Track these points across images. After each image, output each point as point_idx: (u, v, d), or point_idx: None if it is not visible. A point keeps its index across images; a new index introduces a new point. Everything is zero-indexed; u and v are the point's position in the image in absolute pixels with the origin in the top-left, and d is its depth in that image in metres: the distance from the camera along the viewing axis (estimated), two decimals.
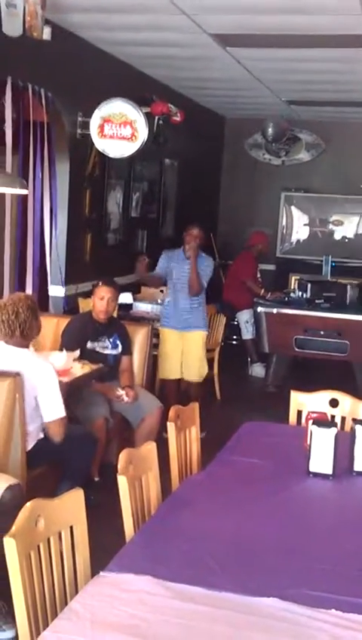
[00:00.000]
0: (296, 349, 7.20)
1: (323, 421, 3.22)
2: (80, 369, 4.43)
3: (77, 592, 2.25)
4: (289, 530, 2.66)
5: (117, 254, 7.22)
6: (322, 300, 7.35)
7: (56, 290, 6.13)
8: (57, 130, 5.90)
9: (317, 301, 7.36)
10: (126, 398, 4.78)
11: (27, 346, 3.90)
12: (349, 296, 7.46)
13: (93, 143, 6.12)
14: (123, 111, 6.00)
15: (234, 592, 2.17)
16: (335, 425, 3.16)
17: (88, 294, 6.11)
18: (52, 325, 5.14)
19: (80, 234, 6.50)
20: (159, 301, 7.10)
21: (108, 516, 3.00)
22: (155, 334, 6.03)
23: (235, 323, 8.23)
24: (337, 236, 10.22)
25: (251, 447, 3.47)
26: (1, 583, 2.25)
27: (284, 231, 10.33)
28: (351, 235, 10.19)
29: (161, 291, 7.56)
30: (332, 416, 3.73)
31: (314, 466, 3.07)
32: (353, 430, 3.14)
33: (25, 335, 3.83)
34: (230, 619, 2.06)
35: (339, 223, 10.18)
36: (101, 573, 2.25)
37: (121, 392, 4.80)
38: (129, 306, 6.69)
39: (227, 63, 6.65)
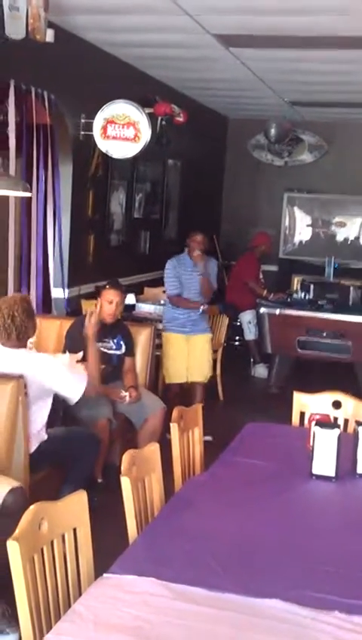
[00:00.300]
0: (299, 350, 7.20)
1: (326, 422, 3.22)
2: (83, 371, 4.43)
3: (80, 594, 2.25)
4: (292, 531, 2.66)
5: (120, 255, 7.23)
6: (325, 301, 7.36)
7: (59, 292, 6.13)
8: (60, 132, 5.92)
9: (319, 302, 7.37)
10: (128, 399, 4.79)
11: (24, 346, 3.91)
12: (352, 298, 7.46)
13: (96, 145, 6.13)
14: (126, 112, 6.02)
15: (237, 594, 2.17)
16: (338, 426, 3.16)
17: (91, 296, 6.13)
18: (55, 327, 5.14)
19: (83, 235, 6.50)
20: (162, 302, 7.11)
21: (112, 518, 3.00)
22: (158, 335, 6.04)
23: (238, 324, 8.22)
24: (340, 237, 10.21)
25: (254, 448, 3.47)
26: (5, 586, 2.25)
27: (287, 232, 10.33)
28: (353, 236, 10.18)
29: (164, 292, 7.57)
30: (335, 418, 3.72)
31: (317, 468, 3.07)
32: (356, 432, 3.13)
33: (20, 338, 3.87)
34: (233, 620, 2.07)
35: (342, 225, 10.17)
36: (104, 575, 2.25)
37: (124, 393, 4.81)
38: (132, 307, 6.70)
39: (230, 64, 6.65)
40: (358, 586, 2.28)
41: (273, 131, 8.97)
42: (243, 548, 2.50)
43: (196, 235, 5.95)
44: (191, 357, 6.05)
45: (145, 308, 6.92)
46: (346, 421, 3.78)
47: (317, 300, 7.42)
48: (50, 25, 4.58)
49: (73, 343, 4.73)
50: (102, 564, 2.34)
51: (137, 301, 6.92)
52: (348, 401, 3.85)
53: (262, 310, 7.28)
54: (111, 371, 4.80)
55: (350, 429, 3.58)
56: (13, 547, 2.09)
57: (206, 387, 6.19)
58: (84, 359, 4.60)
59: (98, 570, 2.35)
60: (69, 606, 2.18)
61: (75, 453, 4.02)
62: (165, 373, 6.07)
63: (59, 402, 4.11)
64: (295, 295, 7.84)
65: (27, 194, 4.64)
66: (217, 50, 6.15)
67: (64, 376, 3.85)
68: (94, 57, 6.33)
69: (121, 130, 6.02)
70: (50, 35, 4.60)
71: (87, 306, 5.92)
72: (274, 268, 9.81)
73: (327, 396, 3.87)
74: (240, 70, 6.90)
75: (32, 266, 5.65)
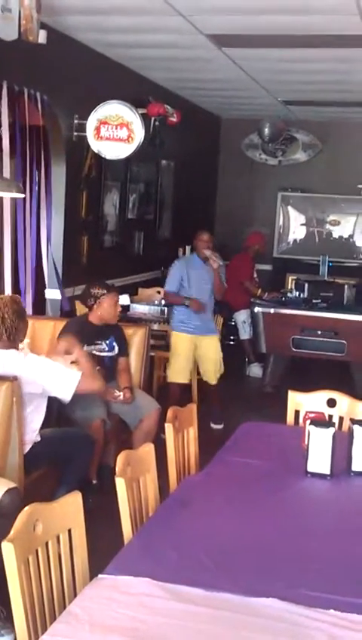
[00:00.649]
0: (294, 349, 7.21)
1: (320, 421, 3.23)
2: (75, 370, 4.42)
3: (75, 595, 2.25)
4: (288, 530, 2.67)
5: (113, 256, 7.23)
6: (319, 300, 7.37)
7: (53, 293, 6.12)
8: (53, 132, 5.91)
9: (314, 301, 7.37)
10: (122, 398, 4.79)
11: (15, 347, 3.91)
12: (346, 296, 7.47)
13: (89, 145, 6.12)
14: (119, 113, 6.01)
15: (232, 593, 2.18)
16: (332, 425, 3.17)
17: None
18: (49, 328, 5.14)
19: (76, 236, 6.50)
20: (156, 302, 7.12)
21: (106, 518, 3.00)
22: (155, 336, 6.07)
23: (233, 323, 8.23)
24: (334, 236, 10.23)
25: (249, 447, 3.47)
26: (0, 587, 2.25)
27: (281, 231, 10.34)
28: (347, 235, 10.20)
29: (158, 292, 7.58)
30: (330, 416, 3.73)
31: (312, 466, 3.08)
32: (351, 430, 3.14)
33: (11, 339, 3.87)
34: (229, 620, 2.07)
35: (336, 223, 10.18)
36: (99, 575, 2.25)
37: (118, 393, 4.81)
38: (126, 308, 6.70)
39: (223, 64, 6.66)
40: (353, 583, 2.28)
41: (267, 131, 8.97)
42: (238, 547, 2.50)
43: (202, 234, 6.04)
44: (204, 359, 6.15)
45: (139, 309, 6.92)
46: (341, 419, 3.78)
47: (311, 299, 7.42)
48: (43, 26, 4.57)
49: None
50: (98, 565, 2.34)
51: (131, 302, 6.92)
52: (342, 400, 3.86)
53: (257, 309, 7.28)
54: (104, 373, 4.79)
55: (345, 427, 3.59)
56: (7, 549, 2.09)
57: (216, 387, 6.26)
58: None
59: (93, 571, 2.35)
60: (64, 607, 2.17)
61: (70, 454, 4.02)
62: (168, 372, 6.13)
63: (53, 402, 4.10)
64: (289, 294, 7.85)
65: (20, 195, 4.64)
66: (210, 51, 6.15)
67: (55, 374, 3.84)
68: (87, 58, 6.33)
69: (115, 130, 6.01)
70: (42, 36, 4.59)
71: (81, 307, 5.92)
72: (268, 267, 9.82)
73: (322, 394, 3.88)
74: (234, 70, 6.90)
75: (27, 266, 5.64)
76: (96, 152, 6.14)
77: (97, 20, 5.43)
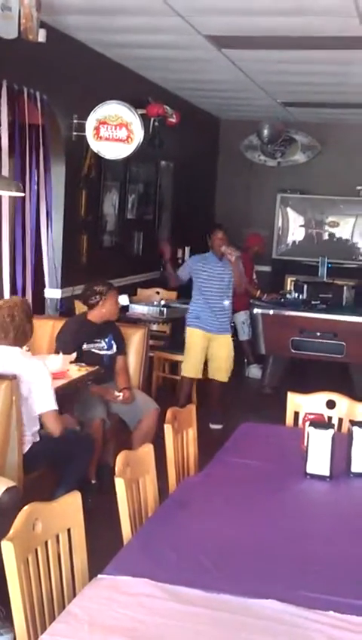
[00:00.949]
0: (293, 351, 7.21)
1: (320, 422, 3.23)
2: (76, 371, 4.43)
3: (75, 595, 2.25)
4: (287, 531, 2.66)
5: (113, 256, 7.22)
6: (318, 302, 7.36)
7: (52, 293, 6.12)
8: (53, 132, 5.90)
9: (313, 302, 7.37)
10: (121, 398, 4.80)
11: (20, 347, 3.92)
12: (345, 298, 7.47)
13: (88, 145, 6.12)
14: (118, 113, 6.01)
15: (232, 594, 2.17)
16: (332, 426, 3.17)
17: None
18: (48, 327, 5.14)
19: (76, 236, 6.49)
20: (155, 303, 7.12)
21: (106, 519, 3.00)
22: (154, 336, 6.09)
23: (232, 324, 8.21)
24: (333, 238, 10.23)
25: (248, 448, 3.47)
26: None
27: (280, 232, 10.33)
28: (346, 236, 10.20)
29: (157, 293, 7.58)
30: (329, 418, 3.73)
31: (312, 468, 3.07)
32: (350, 431, 3.14)
33: (17, 338, 3.89)
34: (228, 621, 2.06)
35: (335, 225, 10.18)
36: (99, 575, 2.24)
37: (117, 393, 4.82)
38: (125, 308, 6.70)
39: (222, 65, 6.66)
40: (353, 585, 2.28)
41: (266, 132, 8.97)
42: (238, 548, 2.50)
43: (217, 232, 6.19)
44: (216, 357, 6.24)
45: (138, 309, 6.93)
46: (340, 421, 3.78)
47: (310, 300, 7.42)
48: (43, 25, 4.57)
49: (65, 344, 4.73)
50: (97, 565, 2.34)
51: (131, 302, 6.92)
52: (341, 401, 3.86)
53: (256, 311, 7.28)
54: (103, 373, 4.80)
55: (344, 429, 3.58)
56: (7, 548, 2.08)
57: (221, 387, 6.31)
58: (77, 359, 4.60)
59: (92, 571, 2.34)
60: (64, 607, 2.17)
61: (69, 454, 4.01)
62: (182, 366, 6.31)
63: None
64: (288, 295, 7.85)
65: (20, 194, 4.63)
66: (209, 52, 6.15)
67: (45, 388, 3.84)
68: (87, 58, 6.32)
69: (114, 131, 6.01)
70: (42, 35, 4.58)
71: (80, 306, 5.91)
72: (267, 268, 9.81)
73: (321, 396, 3.87)
74: (233, 71, 6.90)
75: (27, 266, 5.64)
76: (95, 152, 6.14)
77: (97, 20, 5.43)
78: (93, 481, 4.56)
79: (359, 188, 9.85)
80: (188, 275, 6.26)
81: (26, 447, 3.81)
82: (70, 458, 4.02)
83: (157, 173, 8.39)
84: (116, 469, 2.70)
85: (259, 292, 7.86)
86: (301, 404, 3.88)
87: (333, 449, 3.05)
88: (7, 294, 5.43)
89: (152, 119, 6.81)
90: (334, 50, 5.85)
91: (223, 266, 6.10)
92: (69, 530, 2.37)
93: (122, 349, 5.03)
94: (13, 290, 5.50)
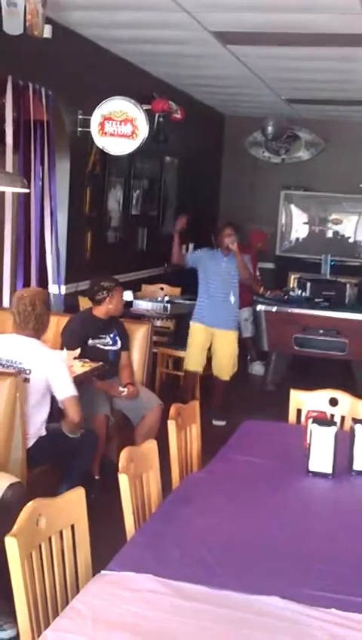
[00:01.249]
0: (296, 348, 7.21)
1: (322, 420, 3.23)
2: (80, 367, 4.44)
3: (78, 590, 2.25)
4: (289, 529, 2.67)
5: (117, 252, 7.23)
6: (321, 299, 7.36)
7: (57, 289, 6.13)
8: (58, 128, 5.90)
9: (316, 300, 7.37)
10: (126, 393, 4.80)
11: (37, 339, 3.95)
12: (348, 295, 7.47)
13: (93, 141, 6.12)
14: (123, 109, 6.01)
15: (234, 591, 2.18)
16: (334, 424, 3.17)
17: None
18: (52, 323, 5.09)
19: (80, 232, 6.50)
20: (159, 299, 7.13)
21: (109, 514, 3.00)
22: (158, 332, 6.10)
23: None
24: (336, 235, 10.22)
25: (251, 445, 3.48)
26: (3, 582, 2.26)
27: (284, 229, 10.33)
28: (350, 233, 10.19)
29: (161, 289, 7.59)
30: (332, 415, 3.73)
31: (314, 465, 3.08)
32: (352, 429, 3.14)
33: (37, 329, 3.93)
34: (230, 617, 2.07)
35: (339, 222, 10.18)
36: (102, 571, 2.25)
37: (122, 388, 4.82)
38: (129, 304, 6.70)
39: (227, 61, 6.65)
40: (355, 582, 2.29)
41: (270, 129, 8.96)
42: (240, 545, 2.51)
43: (224, 229, 6.24)
44: (218, 354, 6.28)
45: (142, 305, 6.93)
46: (343, 418, 3.78)
47: (313, 298, 7.42)
48: (48, 21, 4.57)
49: (70, 340, 4.73)
50: (100, 560, 2.35)
51: (135, 298, 6.93)
52: (344, 399, 3.86)
53: (259, 308, 7.28)
54: (108, 368, 4.81)
55: (346, 427, 3.59)
56: (11, 543, 2.09)
57: (224, 384, 6.30)
58: (83, 354, 4.61)
59: (96, 566, 2.35)
60: (67, 603, 2.18)
61: (73, 450, 4.02)
62: (184, 360, 6.32)
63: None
64: (291, 292, 7.85)
65: (25, 190, 4.64)
66: (215, 48, 6.15)
67: (63, 375, 3.90)
68: (92, 53, 6.32)
69: (119, 126, 6.01)
70: (47, 31, 4.59)
71: (84, 302, 5.92)
72: (270, 265, 9.81)
73: (324, 393, 3.88)
74: (238, 67, 6.90)
75: (31, 262, 5.64)
76: (100, 147, 6.14)
77: (102, 16, 5.43)
78: (97, 477, 4.57)
79: None
80: (192, 262, 6.24)
81: (32, 441, 3.83)
82: (74, 453, 4.04)
83: (161, 169, 8.39)
84: (120, 464, 2.71)
85: (262, 289, 7.85)
86: (303, 401, 3.88)
87: (336, 447, 3.06)
88: (9, 290, 5.44)
89: (157, 115, 6.82)
90: (339, 47, 5.84)
91: (229, 261, 6.12)
92: (72, 526, 2.38)
93: (126, 345, 5.04)
94: (13, 287, 5.50)
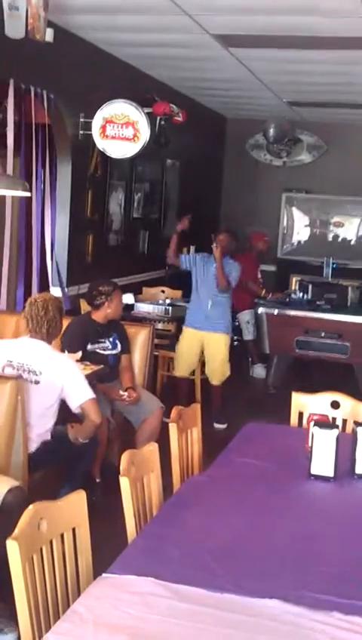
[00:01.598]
0: (297, 351, 7.20)
1: (324, 423, 3.23)
2: (82, 370, 4.43)
3: (79, 594, 2.25)
4: (291, 532, 2.67)
5: (119, 255, 7.23)
6: (323, 302, 7.36)
7: (58, 292, 6.13)
8: (59, 131, 5.91)
9: (318, 302, 7.37)
10: (128, 399, 4.79)
11: (49, 343, 3.98)
12: (350, 298, 7.47)
13: (94, 144, 6.13)
14: (125, 111, 6.01)
15: (236, 594, 2.18)
16: (336, 427, 3.17)
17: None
18: None
19: (82, 235, 6.50)
20: (160, 302, 7.13)
21: (110, 517, 3.01)
22: (159, 335, 6.09)
23: (236, 324, 8.21)
24: (338, 238, 10.21)
25: (253, 448, 3.47)
26: (4, 586, 2.25)
27: (285, 232, 10.32)
28: (352, 236, 10.18)
29: (162, 291, 7.59)
30: (334, 418, 3.73)
31: (316, 468, 3.08)
32: (354, 432, 3.14)
33: (50, 333, 3.96)
34: (232, 620, 2.07)
35: (340, 225, 10.17)
36: (103, 574, 2.25)
37: (123, 392, 4.82)
38: (130, 307, 6.70)
39: (229, 64, 6.65)
40: (357, 586, 2.28)
41: (272, 131, 8.96)
42: (242, 548, 2.50)
43: (219, 235, 6.21)
44: (209, 358, 6.24)
45: (143, 308, 6.93)
46: (344, 421, 3.78)
47: (315, 300, 7.42)
48: (50, 24, 4.58)
49: (70, 344, 4.73)
50: (101, 564, 2.34)
51: (136, 301, 6.93)
52: (346, 402, 3.86)
53: (261, 310, 7.28)
54: (108, 372, 4.80)
55: (348, 429, 3.59)
56: (12, 547, 2.09)
57: (218, 388, 6.28)
58: (82, 359, 4.61)
59: (97, 570, 2.35)
60: (68, 606, 2.18)
61: (74, 453, 4.02)
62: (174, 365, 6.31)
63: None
64: (293, 295, 7.84)
65: (26, 193, 4.64)
66: (216, 50, 6.15)
67: (80, 379, 3.93)
68: (93, 57, 6.33)
69: (120, 129, 6.02)
70: (49, 35, 4.59)
71: (85, 305, 5.92)
72: (272, 268, 9.81)
73: (326, 396, 3.88)
74: (240, 70, 6.90)
75: (33, 265, 5.65)
76: (101, 150, 6.14)
77: (104, 19, 5.43)
78: (98, 480, 4.57)
79: None
80: (186, 264, 6.18)
81: (33, 447, 3.83)
82: (75, 457, 4.03)
83: (163, 172, 8.39)
84: (121, 467, 2.71)
85: (263, 291, 7.86)
86: (305, 404, 3.88)
87: (338, 450, 3.05)
88: (7, 294, 5.45)
89: (158, 118, 6.82)
90: (341, 50, 5.84)
91: (224, 265, 6.06)
92: (73, 530, 2.38)
93: (126, 348, 5.04)
94: (14, 289, 5.51)
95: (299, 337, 7.13)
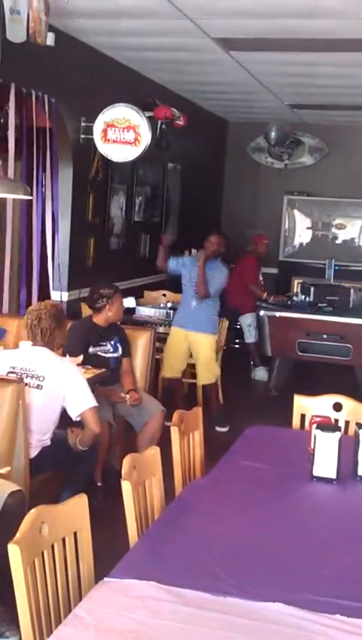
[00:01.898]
0: (299, 353, 7.20)
1: (326, 425, 3.22)
2: (83, 374, 4.43)
3: (81, 598, 2.25)
4: (293, 534, 2.66)
5: (120, 259, 7.23)
6: (325, 304, 7.35)
7: (59, 295, 6.13)
8: (60, 135, 5.92)
9: (320, 305, 7.36)
10: (130, 400, 4.79)
11: (51, 349, 4.00)
12: (352, 300, 7.46)
13: (96, 148, 6.13)
14: (126, 115, 6.02)
15: (238, 597, 2.17)
16: (339, 429, 3.16)
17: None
18: None
19: (83, 238, 6.51)
20: (161, 305, 7.12)
21: (112, 521, 3.00)
22: (160, 338, 6.09)
23: (238, 327, 8.22)
24: (340, 240, 10.21)
25: (255, 451, 3.47)
26: (5, 590, 2.25)
27: (287, 234, 10.32)
28: (353, 238, 10.18)
29: (164, 295, 7.59)
30: (336, 420, 3.72)
31: (318, 471, 3.07)
32: (357, 434, 3.13)
33: (47, 341, 3.98)
34: (235, 624, 2.06)
35: (342, 227, 10.17)
36: (105, 579, 2.24)
37: (124, 395, 4.82)
38: (132, 311, 6.70)
39: (230, 67, 6.66)
40: (359, 588, 2.28)
41: (273, 134, 8.97)
42: (244, 551, 2.50)
43: (211, 236, 6.14)
44: (196, 358, 6.22)
45: (145, 311, 6.92)
46: (347, 423, 3.77)
47: (317, 303, 7.41)
48: (51, 28, 4.58)
49: (72, 347, 4.73)
50: (103, 568, 2.34)
51: (137, 304, 6.92)
52: (348, 404, 3.85)
53: (262, 313, 7.28)
54: (109, 375, 4.80)
55: (351, 432, 3.58)
56: (13, 551, 2.09)
57: (209, 390, 6.25)
58: (84, 362, 4.61)
59: (99, 574, 2.34)
60: (70, 610, 2.17)
61: (75, 457, 4.02)
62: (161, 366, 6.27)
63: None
64: (295, 297, 7.84)
65: (27, 197, 4.64)
66: (217, 54, 6.16)
67: (82, 387, 3.91)
68: (95, 61, 6.34)
69: (122, 133, 6.02)
70: (50, 39, 4.59)
71: (86, 309, 5.92)
72: (274, 270, 9.81)
73: (328, 399, 3.87)
74: (241, 73, 6.91)
75: (33, 269, 5.65)
76: (103, 154, 6.15)
77: (105, 23, 5.44)
78: (100, 484, 4.56)
79: None
80: (174, 266, 6.13)
81: (35, 452, 3.82)
82: (76, 461, 4.03)
83: (164, 175, 8.40)
84: (122, 471, 2.70)
85: (265, 294, 7.86)
86: (307, 406, 3.87)
87: (340, 452, 3.05)
88: (9, 297, 5.45)
89: (160, 122, 6.82)
90: (342, 53, 5.85)
91: (211, 268, 6.01)
92: (75, 534, 2.37)
93: (127, 352, 5.04)
94: (17, 292, 5.51)
95: (301, 340, 7.12)
